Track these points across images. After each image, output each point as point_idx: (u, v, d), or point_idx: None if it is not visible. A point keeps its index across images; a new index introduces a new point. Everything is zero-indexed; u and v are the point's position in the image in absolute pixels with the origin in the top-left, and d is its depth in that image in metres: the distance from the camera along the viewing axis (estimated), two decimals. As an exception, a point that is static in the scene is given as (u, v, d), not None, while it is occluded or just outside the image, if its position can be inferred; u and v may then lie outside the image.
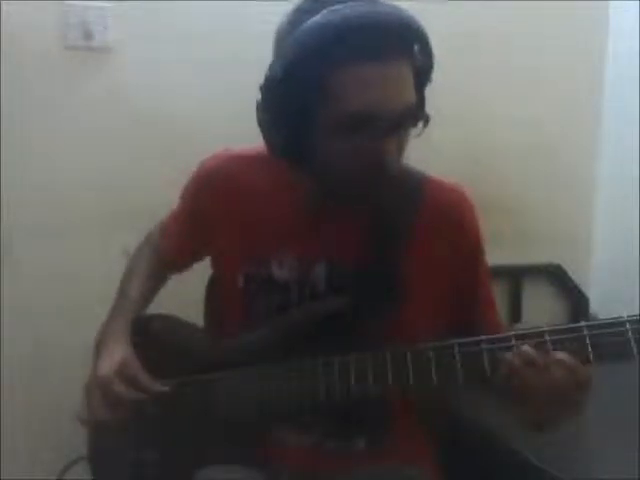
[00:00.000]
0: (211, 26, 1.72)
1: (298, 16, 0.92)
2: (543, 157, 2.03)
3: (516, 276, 2.06)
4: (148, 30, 1.69)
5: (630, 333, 0.84)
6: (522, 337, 0.90)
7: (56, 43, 1.66)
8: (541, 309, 2.10)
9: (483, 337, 0.91)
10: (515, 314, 2.06)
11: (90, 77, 1.70)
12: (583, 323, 0.88)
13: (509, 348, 0.89)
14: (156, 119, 1.71)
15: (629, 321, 0.85)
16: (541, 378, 0.86)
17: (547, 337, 0.88)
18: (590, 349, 0.86)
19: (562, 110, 2.02)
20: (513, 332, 0.91)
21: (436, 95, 1.00)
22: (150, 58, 1.71)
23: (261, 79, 0.96)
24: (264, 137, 0.99)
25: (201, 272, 1.24)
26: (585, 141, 2.08)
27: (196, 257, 1.23)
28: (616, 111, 2.03)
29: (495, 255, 1.13)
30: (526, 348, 0.88)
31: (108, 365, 1.04)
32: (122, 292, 1.18)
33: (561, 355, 0.87)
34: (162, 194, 1.22)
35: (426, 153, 0.98)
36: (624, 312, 0.86)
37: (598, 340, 0.86)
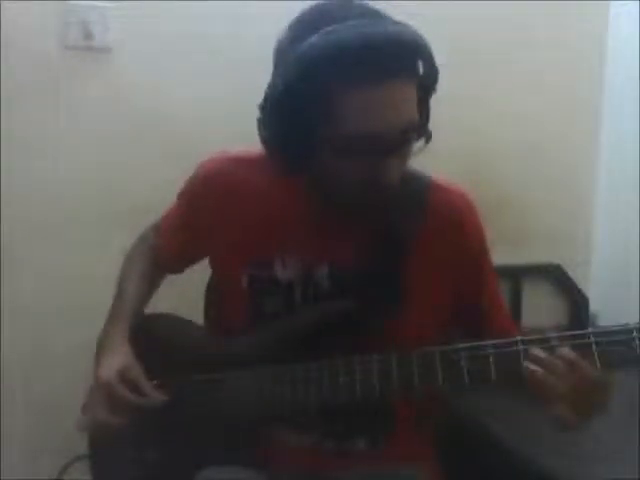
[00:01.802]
0: (211, 26, 1.72)
1: (300, 31, 0.91)
2: (543, 157, 2.04)
3: (516, 276, 2.06)
4: (148, 30, 1.69)
5: (638, 341, 0.85)
6: (528, 343, 0.90)
7: (56, 43, 1.66)
8: (541, 309, 2.10)
9: (489, 342, 0.91)
10: (515, 314, 2.05)
11: (90, 77, 1.70)
12: (590, 330, 0.88)
13: (516, 353, 0.89)
14: (156, 119, 1.71)
15: (636, 328, 0.85)
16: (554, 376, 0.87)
17: (553, 343, 0.89)
18: (596, 356, 0.86)
19: (562, 110, 2.02)
20: (520, 337, 0.91)
21: (436, 95, 1.00)
22: (150, 58, 1.71)
23: (260, 79, 0.96)
24: (268, 153, 0.99)
25: (201, 272, 1.24)
26: (585, 141, 2.08)
27: (190, 255, 1.21)
28: (616, 111, 2.03)
29: (495, 255, 1.14)
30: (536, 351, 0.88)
31: (110, 369, 1.04)
32: (119, 294, 1.17)
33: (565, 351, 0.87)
34: (162, 194, 1.21)
35: (426, 154, 0.98)
36: (624, 312, 0.86)
37: (604, 347, 0.86)
